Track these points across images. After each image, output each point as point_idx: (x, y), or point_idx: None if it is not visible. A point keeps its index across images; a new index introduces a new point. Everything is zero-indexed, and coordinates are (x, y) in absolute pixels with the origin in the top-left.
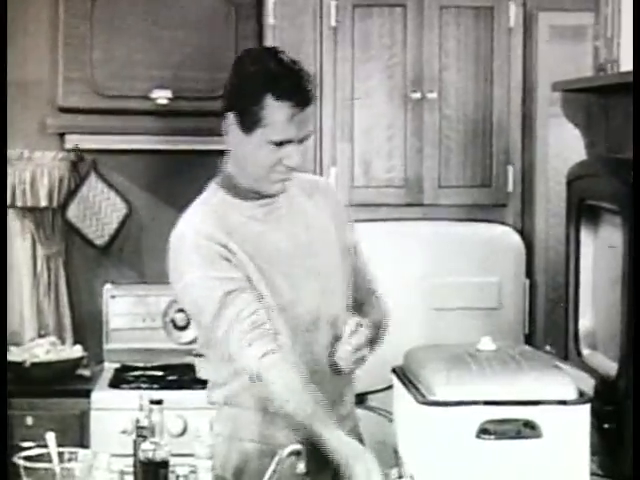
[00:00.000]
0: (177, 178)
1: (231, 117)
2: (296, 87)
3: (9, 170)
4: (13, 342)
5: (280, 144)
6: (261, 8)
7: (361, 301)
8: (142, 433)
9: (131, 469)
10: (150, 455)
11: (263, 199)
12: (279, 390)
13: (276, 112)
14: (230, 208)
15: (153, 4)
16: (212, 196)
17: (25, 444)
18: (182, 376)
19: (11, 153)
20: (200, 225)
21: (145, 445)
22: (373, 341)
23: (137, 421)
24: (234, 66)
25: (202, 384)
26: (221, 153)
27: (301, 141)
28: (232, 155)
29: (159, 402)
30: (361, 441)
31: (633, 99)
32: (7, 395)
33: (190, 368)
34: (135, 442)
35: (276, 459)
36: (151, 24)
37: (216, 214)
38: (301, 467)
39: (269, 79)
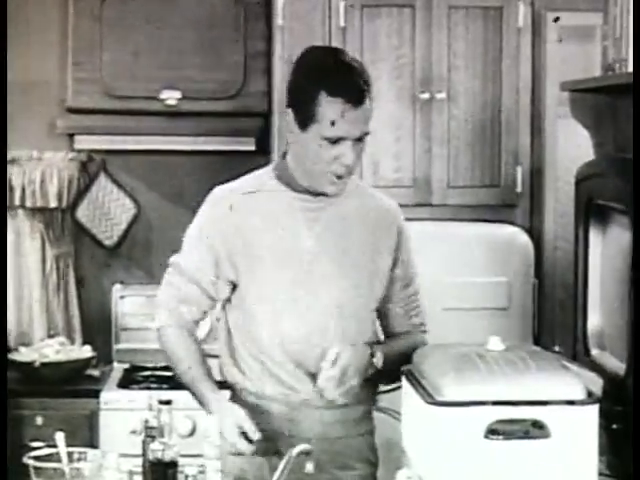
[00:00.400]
0: (186, 178)
1: (290, 113)
2: (349, 84)
3: (18, 170)
4: (22, 342)
5: (334, 141)
6: (270, 8)
7: (394, 332)
8: (151, 433)
9: (140, 469)
10: (159, 455)
11: (316, 197)
12: (168, 356)
13: (329, 108)
14: (267, 194)
15: (162, 5)
16: (263, 176)
17: (35, 444)
18: None
19: (21, 154)
20: (214, 200)
21: (154, 445)
22: (386, 375)
23: (146, 421)
24: (295, 63)
25: (221, 385)
26: (229, 153)
27: (358, 140)
28: (291, 151)
29: (168, 402)
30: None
31: (633, 99)
32: (7, 395)
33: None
34: (144, 442)
35: (285, 459)
36: (160, 25)
37: (244, 194)
38: (309, 467)
39: (323, 75)
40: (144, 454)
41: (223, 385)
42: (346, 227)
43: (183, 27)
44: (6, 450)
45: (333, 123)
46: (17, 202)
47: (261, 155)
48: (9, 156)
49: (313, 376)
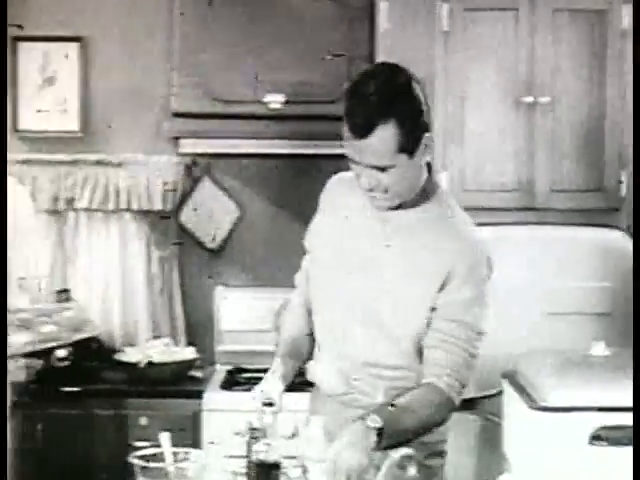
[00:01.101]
0: (289, 182)
1: None
2: (354, 116)
3: (125, 174)
4: (128, 343)
5: (352, 161)
6: (374, 12)
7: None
8: (255, 435)
9: (243, 470)
10: (262, 456)
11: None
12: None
13: (345, 129)
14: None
15: (267, 9)
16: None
17: (139, 444)
18: (294, 378)
19: (127, 157)
20: (330, 182)
21: (257, 446)
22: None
23: (250, 423)
24: None
25: (314, 387)
26: (333, 157)
27: (376, 168)
28: None
29: (271, 404)
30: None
31: (633, 99)
32: (7, 395)
33: (301, 370)
34: (248, 443)
35: (387, 462)
36: (264, 29)
37: (349, 182)
38: (412, 471)
39: (345, 97)
40: (248, 455)
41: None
42: (408, 245)
43: (287, 31)
44: (6, 450)
45: (347, 144)
46: (123, 205)
47: None
48: (116, 159)
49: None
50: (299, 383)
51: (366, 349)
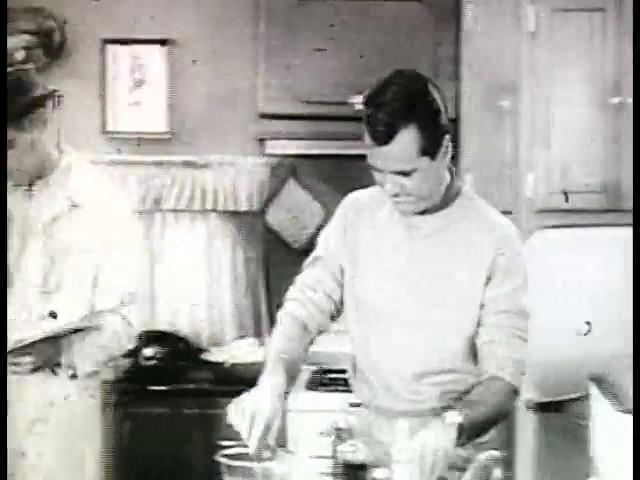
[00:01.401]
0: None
1: None
2: (373, 124)
3: (211, 175)
4: (214, 343)
5: (375, 169)
6: (459, 13)
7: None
8: (340, 435)
9: (329, 471)
10: (348, 457)
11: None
12: None
13: (366, 137)
14: (386, 204)
15: (352, 10)
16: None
17: (226, 443)
18: None
19: (214, 158)
20: (348, 201)
21: (343, 447)
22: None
23: (335, 423)
24: None
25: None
26: None
27: (400, 173)
28: None
29: (358, 405)
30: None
31: (633, 99)
32: (7, 395)
33: None
34: (334, 444)
35: (474, 465)
36: (349, 30)
37: (369, 201)
38: (497, 473)
39: (365, 106)
40: (333, 456)
41: None
42: (441, 249)
43: (373, 32)
44: (6, 449)
45: (369, 153)
46: (210, 206)
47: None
48: (203, 160)
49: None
50: None
51: (414, 362)
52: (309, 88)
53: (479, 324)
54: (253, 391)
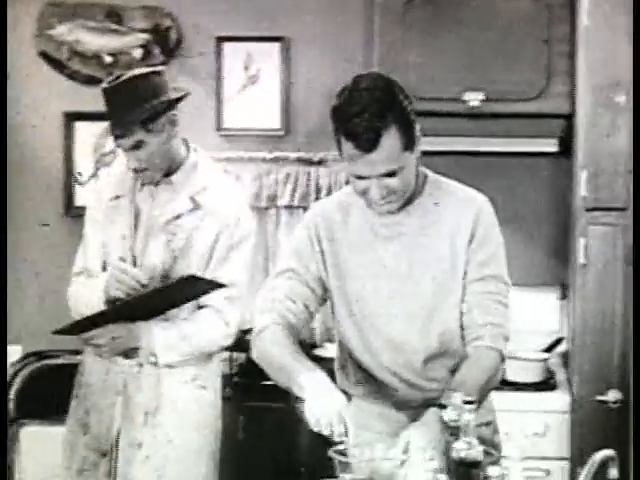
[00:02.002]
0: (488, 180)
1: None
2: (358, 133)
3: (325, 171)
4: (326, 339)
5: (359, 177)
6: (574, 9)
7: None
8: (455, 432)
9: (444, 468)
10: (463, 455)
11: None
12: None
13: (345, 149)
14: (354, 208)
15: (465, 6)
16: (348, 192)
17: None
18: None
19: (327, 154)
20: (315, 211)
21: (458, 444)
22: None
23: (450, 421)
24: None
25: (511, 386)
26: (531, 155)
27: (387, 175)
28: None
29: (471, 402)
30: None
31: (633, 99)
32: (7, 394)
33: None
34: (447, 442)
35: (587, 465)
36: (463, 26)
37: (338, 208)
38: (614, 472)
39: (340, 118)
40: (447, 453)
41: None
42: (424, 237)
43: (486, 28)
44: (6, 448)
45: (350, 163)
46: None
47: (563, 157)
48: (317, 157)
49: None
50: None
51: (418, 351)
52: (423, 84)
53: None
54: (312, 395)
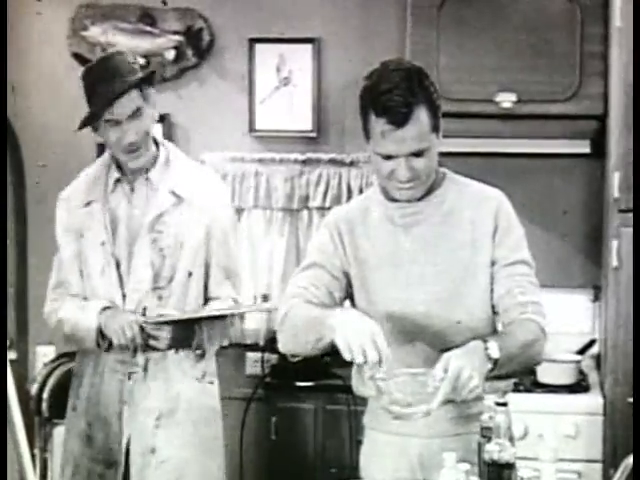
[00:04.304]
0: (520, 181)
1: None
2: (390, 106)
3: (357, 172)
4: None
5: (387, 157)
6: (607, 10)
7: (501, 315)
8: (487, 434)
9: (476, 469)
10: (495, 456)
11: (403, 202)
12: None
13: (376, 126)
14: (374, 204)
15: (498, 8)
16: (371, 191)
17: None
18: (523, 379)
19: (359, 156)
20: (335, 212)
21: (490, 446)
22: (504, 368)
23: (481, 421)
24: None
25: (543, 388)
26: (563, 156)
27: (414, 155)
28: None
29: (504, 404)
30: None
31: (633, 99)
32: (6, 393)
33: (532, 373)
34: (480, 443)
35: (620, 468)
36: (496, 28)
37: (357, 207)
38: None
39: (370, 95)
40: (480, 455)
41: None
42: (444, 226)
43: (518, 29)
44: (6, 447)
45: (380, 142)
46: None
47: (596, 158)
48: (349, 158)
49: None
50: (531, 384)
51: (447, 343)
52: (455, 86)
53: (492, 283)
54: (343, 324)
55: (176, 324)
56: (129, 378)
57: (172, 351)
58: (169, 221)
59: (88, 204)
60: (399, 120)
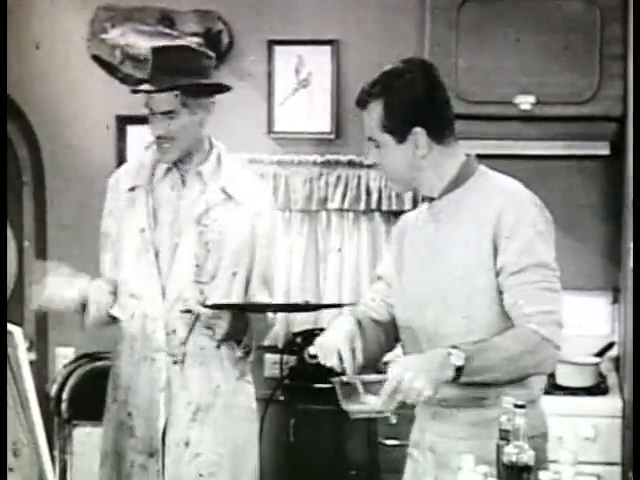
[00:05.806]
0: (539, 183)
1: None
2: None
3: (375, 175)
4: None
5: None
6: (627, 12)
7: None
8: (505, 436)
9: (494, 471)
10: (513, 459)
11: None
12: None
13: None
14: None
15: (517, 10)
16: None
17: (389, 442)
18: None
19: None
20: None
21: (508, 449)
22: (477, 374)
23: (499, 424)
24: None
25: (562, 390)
26: (583, 158)
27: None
28: None
29: (523, 406)
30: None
31: (633, 98)
32: (6, 393)
33: (551, 375)
34: (498, 445)
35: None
36: (515, 30)
37: (415, 212)
38: None
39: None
40: (498, 457)
41: None
42: (453, 221)
43: (537, 31)
44: (6, 447)
45: None
46: (374, 206)
47: (615, 160)
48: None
49: None
50: (550, 386)
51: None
52: (473, 88)
53: (502, 291)
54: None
55: (234, 315)
56: (168, 368)
57: (213, 345)
58: (216, 216)
59: (132, 189)
60: (360, 103)
